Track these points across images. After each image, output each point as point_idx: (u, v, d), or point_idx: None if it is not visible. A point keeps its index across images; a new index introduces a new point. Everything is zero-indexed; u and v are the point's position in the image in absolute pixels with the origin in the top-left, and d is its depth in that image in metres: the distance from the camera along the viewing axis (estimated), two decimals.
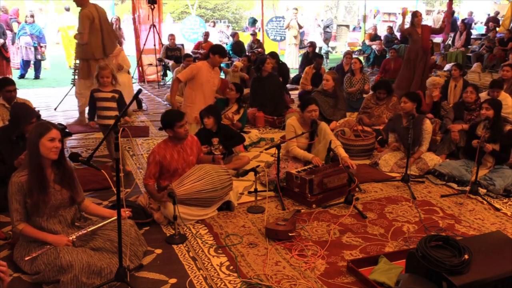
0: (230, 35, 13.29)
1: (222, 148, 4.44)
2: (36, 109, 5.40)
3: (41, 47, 10.98)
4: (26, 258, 2.72)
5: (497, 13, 16.70)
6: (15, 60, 11.59)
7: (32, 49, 10.79)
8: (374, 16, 24.17)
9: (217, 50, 5.27)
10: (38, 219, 2.78)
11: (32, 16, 11.13)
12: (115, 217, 2.61)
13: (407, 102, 4.75)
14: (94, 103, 4.56)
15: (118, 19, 10.82)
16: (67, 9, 13.97)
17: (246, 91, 7.99)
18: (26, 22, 10.97)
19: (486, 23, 15.89)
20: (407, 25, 7.95)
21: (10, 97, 4.69)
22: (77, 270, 2.57)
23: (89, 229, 2.86)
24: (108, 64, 4.42)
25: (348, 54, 9.04)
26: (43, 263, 2.68)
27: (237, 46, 11.99)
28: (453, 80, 6.61)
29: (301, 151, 4.38)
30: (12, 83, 4.79)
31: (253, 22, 19.99)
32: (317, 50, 11.96)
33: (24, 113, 3.85)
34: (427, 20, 21.10)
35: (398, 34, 14.29)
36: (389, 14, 26.77)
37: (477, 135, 4.36)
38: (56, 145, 2.75)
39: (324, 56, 14.49)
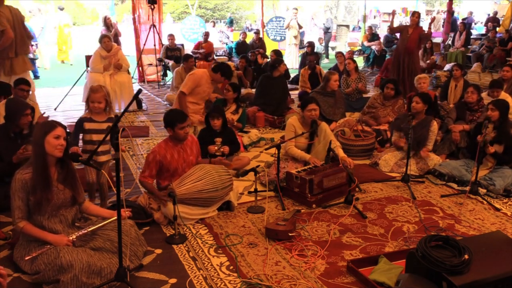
0: (241, 33, 13.36)
1: (226, 149, 4.41)
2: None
3: (32, 45, 10.95)
4: (26, 258, 2.73)
5: (496, 12, 16.71)
6: None
7: None
8: (375, 17, 24.18)
9: (224, 71, 5.25)
10: (39, 217, 2.78)
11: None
12: (115, 217, 2.61)
13: (419, 102, 4.74)
14: (80, 133, 3.65)
15: (109, 19, 10.79)
16: (61, 9, 14.08)
17: (245, 91, 8.02)
18: None
19: (486, 23, 15.90)
20: (396, 25, 8.00)
21: (22, 96, 4.73)
22: (77, 270, 2.57)
23: (89, 229, 2.86)
24: (102, 86, 3.67)
25: (339, 53, 9.04)
26: (43, 263, 2.68)
27: (242, 46, 12.05)
28: (453, 80, 6.61)
29: (298, 151, 4.38)
30: (27, 83, 4.85)
31: (231, 22, 20.12)
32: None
33: (17, 106, 3.85)
34: (427, 20, 21.11)
35: (398, 34, 14.29)
36: (389, 14, 26.79)
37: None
38: (61, 142, 2.77)
39: (322, 55, 14.52)
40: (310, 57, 8.60)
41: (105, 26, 10.52)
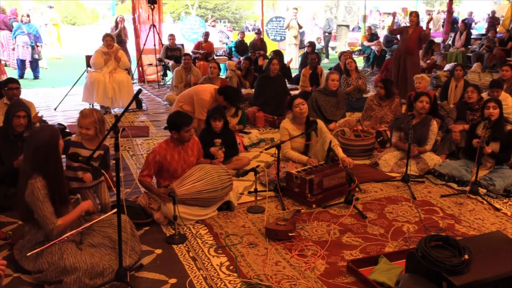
0: (239, 32, 13.37)
1: (222, 155, 4.36)
2: (37, 109, 5.40)
3: (37, 46, 10.98)
4: (28, 254, 2.70)
5: (494, 12, 16.71)
6: (13, 60, 11.58)
7: (30, 48, 10.78)
8: (380, 14, 24.16)
9: (228, 96, 5.27)
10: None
11: (28, 15, 11.15)
12: (112, 212, 2.62)
13: (428, 102, 4.78)
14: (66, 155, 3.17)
15: (122, 19, 10.82)
16: (51, 7, 14.18)
17: (246, 91, 8.02)
18: (22, 21, 10.98)
19: (489, 22, 15.88)
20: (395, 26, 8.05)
21: (12, 95, 4.73)
22: (81, 273, 2.58)
23: (85, 226, 2.85)
24: (95, 111, 3.32)
25: (345, 53, 9.04)
26: (47, 262, 2.67)
27: (241, 46, 12.05)
28: (454, 80, 6.60)
29: (295, 154, 4.37)
30: (15, 81, 4.85)
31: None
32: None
33: (11, 106, 3.82)
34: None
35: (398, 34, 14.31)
36: (389, 14, 26.79)
37: (477, 135, 4.36)
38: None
39: (322, 55, 14.51)
40: (311, 55, 8.58)
41: (115, 25, 10.56)
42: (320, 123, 4.48)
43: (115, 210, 2.56)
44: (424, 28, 8.28)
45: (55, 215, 2.69)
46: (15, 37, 10.86)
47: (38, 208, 2.64)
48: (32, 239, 2.77)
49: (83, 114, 3.27)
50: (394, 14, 8.54)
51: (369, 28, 14.59)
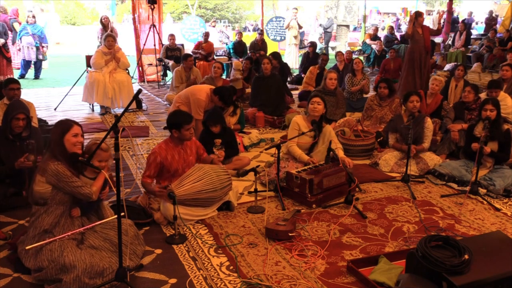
0: (237, 33, 13.29)
1: (222, 154, 4.36)
2: (36, 109, 5.40)
3: (42, 47, 10.99)
4: (27, 248, 2.70)
5: (491, 12, 16.72)
6: (16, 60, 11.58)
7: (34, 49, 10.80)
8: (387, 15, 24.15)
9: (223, 96, 5.26)
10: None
11: (33, 16, 11.15)
12: (115, 217, 2.62)
13: (419, 101, 4.80)
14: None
15: (107, 18, 10.76)
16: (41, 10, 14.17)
17: (248, 91, 8.01)
18: (27, 22, 10.99)
19: (487, 23, 15.89)
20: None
21: (13, 96, 4.73)
22: (80, 271, 2.58)
23: (88, 226, 2.85)
24: (110, 147, 3.04)
25: (339, 53, 9.06)
26: (46, 259, 2.68)
27: (239, 46, 12.02)
28: (454, 80, 6.60)
29: (299, 151, 4.38)
30: (16, 82, 4.85)
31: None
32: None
33: (11, 108, 3.82)
34: (427, 20, 21.17)
35: (398, 34, 14.34)
36: (389, 14, 26.80)
37: (475, 136, 4.36)
38: (79, 140, 2.86)
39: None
40: (323, 56, 8.61)
41: (102, 26, 10.52)
42: (329, 128, 4.49)
43: (115, 216, 2.56)
44: (429, 25, 8.36)
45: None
46: (20, 38, 10.86)
47: (68, 183, 2.75)
48: (37, 226, 2.78)
49: (103, 148, 3.05)
50: (412, 17, 8.42)
51: (376, 27, 14.67)
